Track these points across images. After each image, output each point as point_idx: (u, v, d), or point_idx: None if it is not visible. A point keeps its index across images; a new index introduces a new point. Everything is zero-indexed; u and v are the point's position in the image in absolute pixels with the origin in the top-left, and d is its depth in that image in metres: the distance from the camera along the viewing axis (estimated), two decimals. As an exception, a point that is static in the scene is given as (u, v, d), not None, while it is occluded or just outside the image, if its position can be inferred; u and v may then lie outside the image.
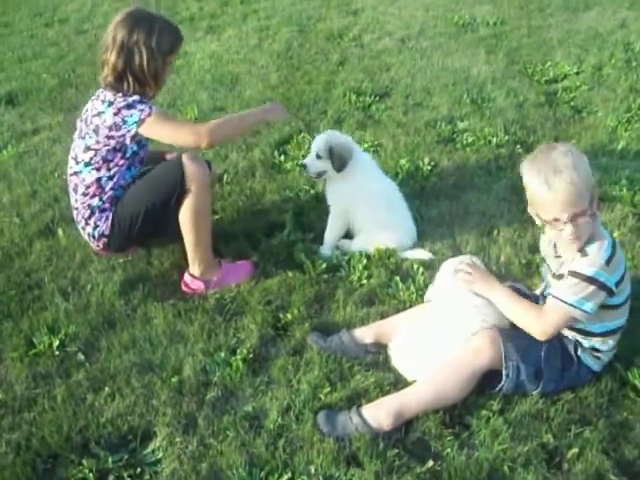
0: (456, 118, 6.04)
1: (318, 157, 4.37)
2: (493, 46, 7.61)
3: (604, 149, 5.47)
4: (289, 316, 3.83)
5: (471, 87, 6.61)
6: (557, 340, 3.28)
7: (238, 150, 5.56)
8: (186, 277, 4.14)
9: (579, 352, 3.29)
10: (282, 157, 5.46)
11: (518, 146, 5.50)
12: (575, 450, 3.02)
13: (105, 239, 4.13)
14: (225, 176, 5.19)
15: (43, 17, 9.35)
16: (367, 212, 4.38)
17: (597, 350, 3.30)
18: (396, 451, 3.01)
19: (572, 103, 6.31)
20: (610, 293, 3.10)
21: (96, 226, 4.10)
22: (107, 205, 4.09)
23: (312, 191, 4.96)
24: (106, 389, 3.40)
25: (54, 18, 9.21)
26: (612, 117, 5.96)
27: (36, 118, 6.39)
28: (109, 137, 3.96)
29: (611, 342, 3.32)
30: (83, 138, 4.06)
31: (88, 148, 4.04)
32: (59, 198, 4.98)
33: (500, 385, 3.22)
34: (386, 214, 4.38)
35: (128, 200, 4.07)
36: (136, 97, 3.95)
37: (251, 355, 3.56)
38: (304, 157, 5.32)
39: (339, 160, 4.32)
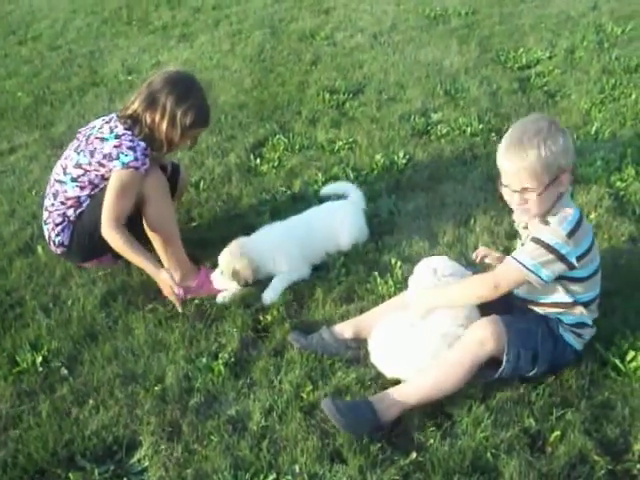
0: (430, 110, 6.05)
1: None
2: (465, 36, 7.62)
3: (579, 131, 5.50)
4: (269, 317, 3.85)
5: (444, 78, 6.62)
6: (544, 322, 3.31)
7: (214, 156, 5.57)
8: None
9: (560, 331, 3.31)
10: (258, 160, 5.46)
11: (493, 134, 5.52)
12: (557, 433, 3.04)
13: (64, 248, 4.20)
14: (202, 183, 5.19)
15: (16, 35, 9.31)
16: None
17: (578, 325, 3.32)
18: (379, 445, 3.03)
19: (545, 88, 6.34)
20: (571, 267, 3.11)
21: (58, 234, 4.16)
22: (76, 219, 4.12)
23: (288, 192, 4.98)
24: (90, 402, 3.41)
25: (27, 36, 9.19)
26: (586, 99, 5.99)
27: (12, 137, 6.35)
28: (101, 164, 3.97)
29: (587, 316, 3.33)
30: (78, 153, 4.06)
31: (79, 166, 4.04)
32: (37, 215, 4.95)
33: (500, 370, 3.21)
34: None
35: (87, 215, 4.09)
36: (143, 145, 3.94)
37: (232, 359, 3.57)
38: (279, 159, 5.37)
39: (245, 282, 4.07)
